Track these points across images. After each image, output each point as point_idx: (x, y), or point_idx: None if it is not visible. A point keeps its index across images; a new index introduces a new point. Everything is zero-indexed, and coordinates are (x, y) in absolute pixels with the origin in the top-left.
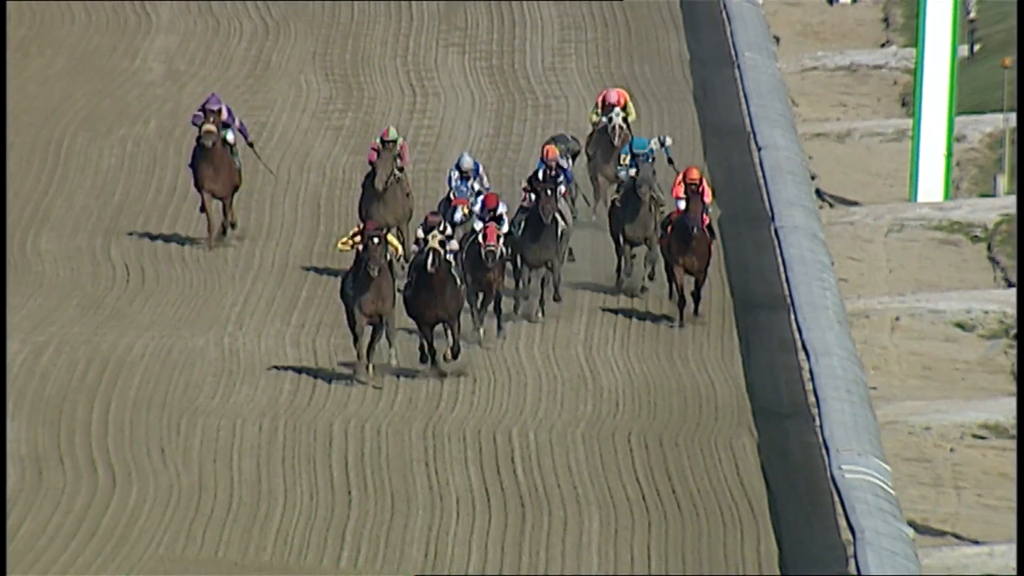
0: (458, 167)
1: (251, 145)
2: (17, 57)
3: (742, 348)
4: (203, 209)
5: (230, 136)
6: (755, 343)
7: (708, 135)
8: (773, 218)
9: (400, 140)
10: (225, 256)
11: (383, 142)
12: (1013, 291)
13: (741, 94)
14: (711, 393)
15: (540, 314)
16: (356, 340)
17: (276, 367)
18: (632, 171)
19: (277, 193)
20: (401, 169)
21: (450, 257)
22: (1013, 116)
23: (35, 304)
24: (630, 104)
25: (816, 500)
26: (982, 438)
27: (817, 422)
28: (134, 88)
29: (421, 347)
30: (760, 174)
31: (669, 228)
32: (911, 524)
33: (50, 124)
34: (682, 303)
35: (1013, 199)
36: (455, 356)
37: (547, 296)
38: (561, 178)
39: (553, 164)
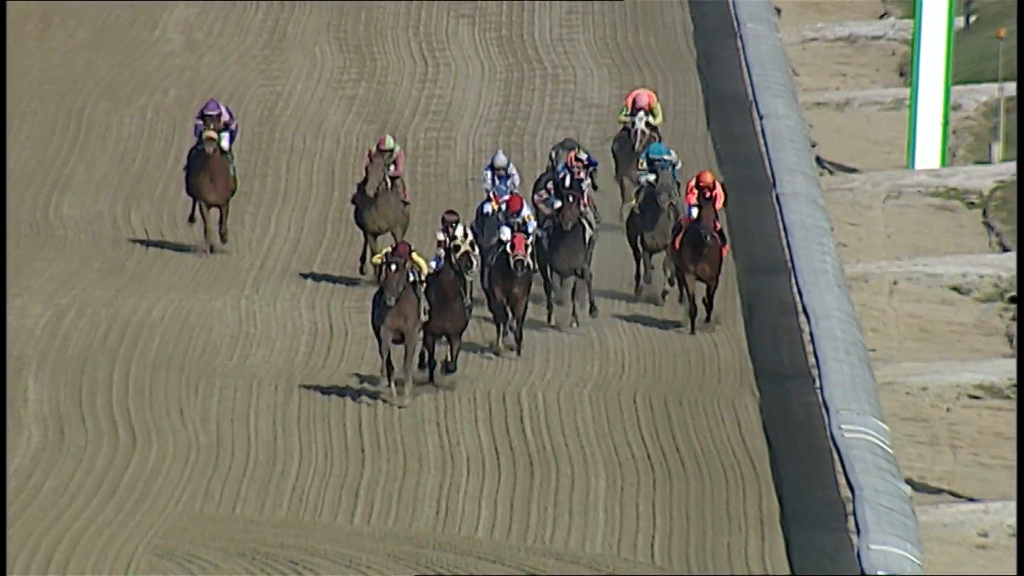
0: (492, 166)
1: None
2: (40, 28)
3: (744, 311)
4: (192, 219)
5: (225, 142)
6: (757, 306)
7: (711, 104)
8: (774, 184)
9: (397, 149)
10: (242, 221)
11: (379, 151)
12: (1008, 255)
13: (743, 64)
14: (714, 355)
15: (574, 324)
16: (382, 357)
17: (292, 330)
18: (651, 176)
19: (293, 160)
20: (396, 177)
21: (473, 267)
22: (1008, 85)
23: (57, 268)
24: (657, 107)
25: (816, 459)
26: (978, 398)
27: (817, 383)
28: (154, 58)
29: (421, 355)
30: (762, 142)
31: (681, 235)
32: (908, 482)
33: (72, 93)
34: (693, 310)
35: (1008, 166)
36: (451, 370)
37: (578, 305)
38: (587, 181)
39: (577, 168)
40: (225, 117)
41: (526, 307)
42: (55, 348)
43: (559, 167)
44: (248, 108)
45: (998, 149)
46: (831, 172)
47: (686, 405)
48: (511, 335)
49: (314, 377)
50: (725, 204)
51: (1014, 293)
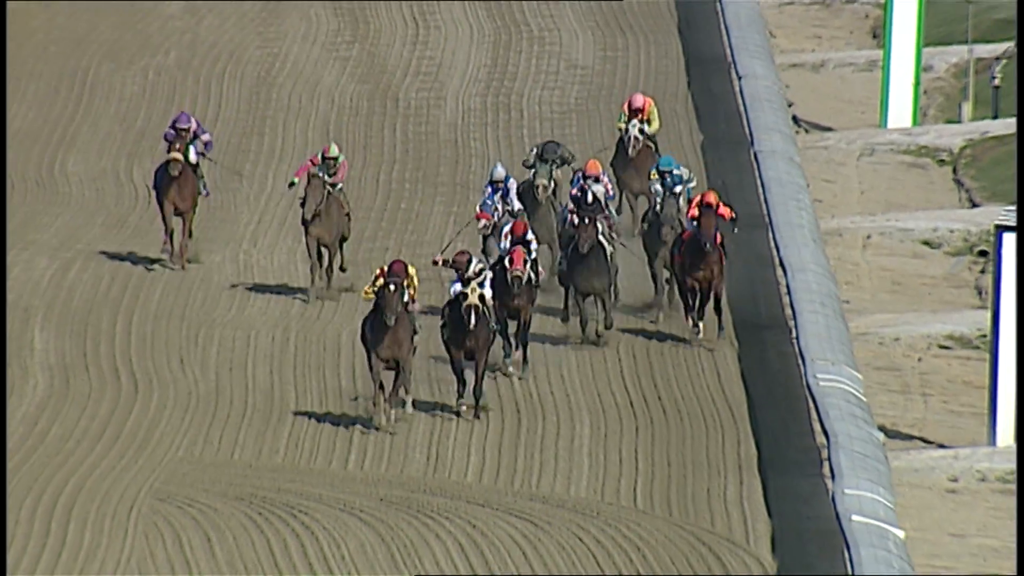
0: (491, 180)
1: (213, 162)
2: None
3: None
4: (167, 232)
5: (192, 156)
6: (735, 259)
7: (692, 65)
8: (752, 142)
9: (341, 158)
10: (240, 178)
11: (323, 159)
12: (977, 211)
13: (722, 26)
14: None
15: (602, 334)
16: (374, 384)
17: (288, 282)
18: (659, 186)
19: (289, 119)
20: (335, 186)
21: (472, 321)
22: (977, 47)
23: (63, 222)
24: (653, 111)
25: (792, 406)
26: (948, 348)
27: (793, 333)
28: (155, 21)
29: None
30: (740, 101)
31: (682, 246)
32: (881, 429)
33: (76, 54)
34: (688, 312)
35: (977, 125)
36: (477, 395)
37: (599, 318)
38: (603, 201)
39: (594, 176)
40: (194, 128)
41: (530, 318)
42: (60, 300)
43: (573, 180)
44: (246, 69)
45: (967, 108)
46: (807, 131)
47: (667, 355)
48: (513, 348)
49: (310, 328)
50: (736, 220)
51: (983, 247)
